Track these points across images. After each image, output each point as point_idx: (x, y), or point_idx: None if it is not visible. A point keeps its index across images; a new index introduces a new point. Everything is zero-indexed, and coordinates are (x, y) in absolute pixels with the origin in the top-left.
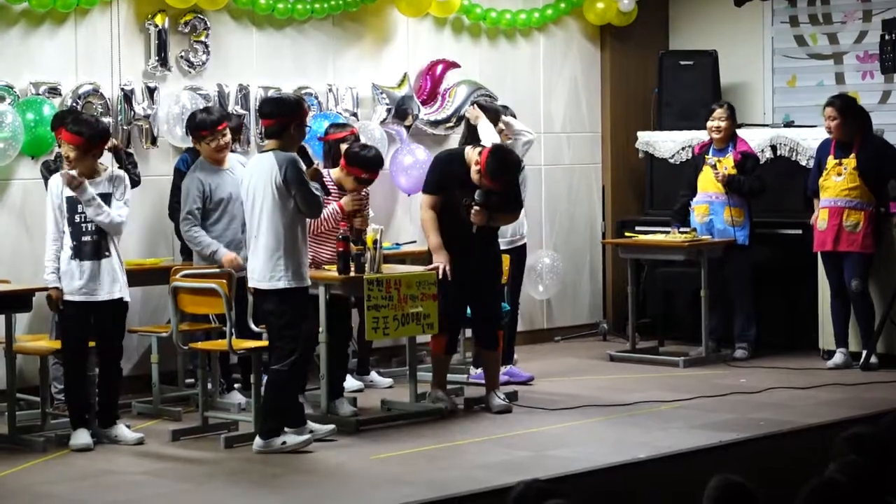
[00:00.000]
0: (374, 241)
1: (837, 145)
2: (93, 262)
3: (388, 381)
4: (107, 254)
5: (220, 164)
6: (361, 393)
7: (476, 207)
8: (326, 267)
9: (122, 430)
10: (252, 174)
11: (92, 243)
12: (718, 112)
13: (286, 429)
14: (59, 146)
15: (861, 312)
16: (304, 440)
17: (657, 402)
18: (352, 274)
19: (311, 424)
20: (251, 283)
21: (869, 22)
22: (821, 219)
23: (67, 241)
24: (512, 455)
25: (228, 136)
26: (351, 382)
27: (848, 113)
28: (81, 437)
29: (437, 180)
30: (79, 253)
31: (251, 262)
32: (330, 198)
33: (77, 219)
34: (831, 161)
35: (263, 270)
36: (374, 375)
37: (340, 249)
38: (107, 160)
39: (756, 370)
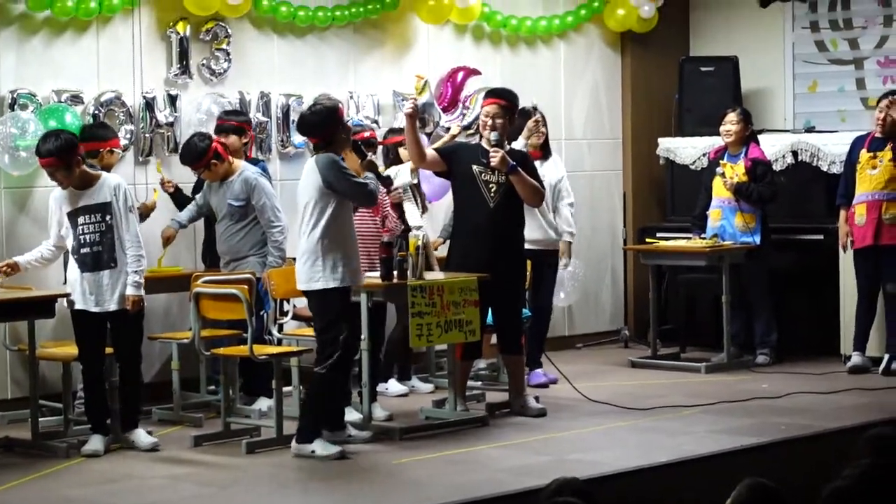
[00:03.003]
0: (417, 248)
1: (873, 140)
2: (95, 274)
3: (430, 386)
4: (112, 265)
5: (216, 179)
6: (405, 398)
7: (493, 149)
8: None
9: (139, 434)
10: (302, 178)
11: (91, 255)
12: (730, 116)
13: (325, 431)
14: (51, 177)
15: (895, 316)
16: (334, 452)
17: (679, 406)
18: (395, 281)
19: (350, 429)
20: (297, 286)
21: (890, 27)
22: (858, 214)
23: (72, 255)
24: (534, 459)
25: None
26: (396, 387)
27: None
28: (92, 443)
29: (450, 147)
30: (82, 265)
31: (297, 264)
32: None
33: (77, 231)
34: (864, 155)
35: (303, 272)
36: (415, 381)
37: (384, 255)
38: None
39: (778, 375)
